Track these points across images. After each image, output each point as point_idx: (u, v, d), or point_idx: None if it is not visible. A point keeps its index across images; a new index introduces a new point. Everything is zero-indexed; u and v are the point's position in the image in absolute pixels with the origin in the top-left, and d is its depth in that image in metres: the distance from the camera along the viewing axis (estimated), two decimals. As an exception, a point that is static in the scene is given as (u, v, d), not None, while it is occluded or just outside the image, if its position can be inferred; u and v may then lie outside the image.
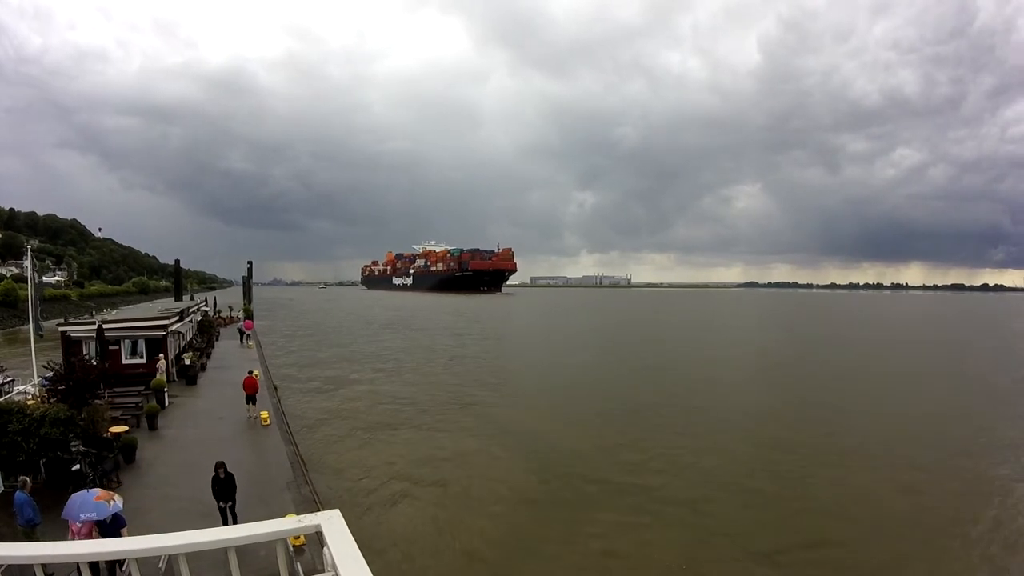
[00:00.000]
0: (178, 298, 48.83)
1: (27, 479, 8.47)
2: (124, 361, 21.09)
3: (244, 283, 57.66)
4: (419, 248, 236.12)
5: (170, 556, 4.12)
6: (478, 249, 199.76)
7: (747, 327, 70.56)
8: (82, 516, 7.24)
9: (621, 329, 65.32)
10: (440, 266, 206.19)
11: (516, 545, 11.23)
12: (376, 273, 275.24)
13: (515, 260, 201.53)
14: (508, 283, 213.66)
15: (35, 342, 16.58)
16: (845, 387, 28.19)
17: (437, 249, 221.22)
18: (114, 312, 28.23)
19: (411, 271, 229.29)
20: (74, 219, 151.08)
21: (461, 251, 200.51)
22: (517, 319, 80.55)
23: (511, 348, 45.70)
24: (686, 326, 70.21)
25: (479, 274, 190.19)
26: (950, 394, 26.94)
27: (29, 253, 17.00)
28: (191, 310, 33.29)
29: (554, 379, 30.58)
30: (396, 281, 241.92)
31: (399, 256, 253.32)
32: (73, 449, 10.65)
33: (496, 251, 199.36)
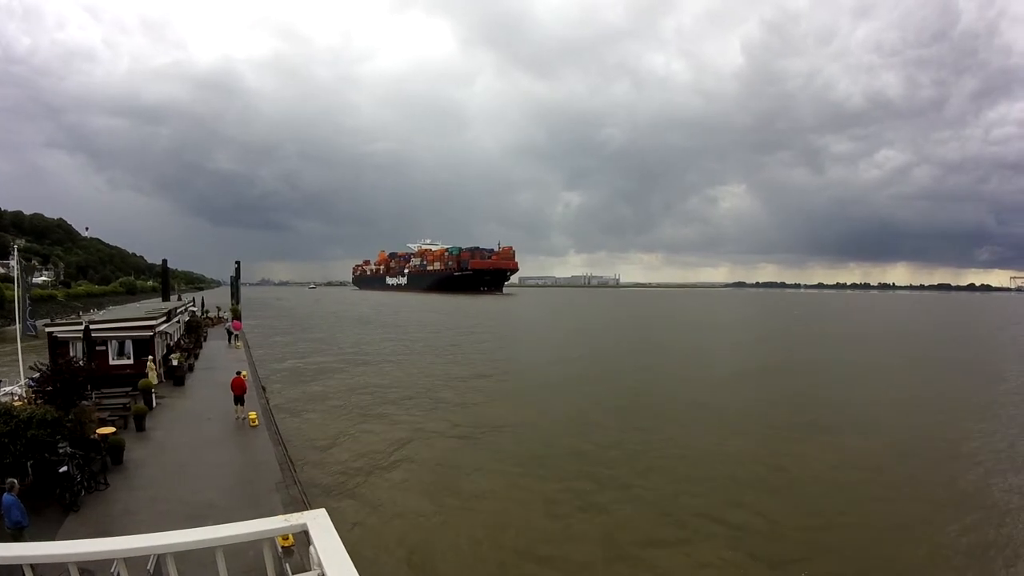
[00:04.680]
0: (165, 298, 48.25)
1: (15, 481, 8.48)
2: (111, 362, 20.91)
3: (232, 283, 57.19)
4: (415, 247, 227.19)
5: (158, 556, 4.17)
6: (478, 247, 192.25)
7: (772, 328, 69.77)
8: None
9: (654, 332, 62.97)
10: (437, 265, 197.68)
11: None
12: (368, 272, 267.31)
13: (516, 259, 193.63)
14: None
15: (22, 342, 16.44)
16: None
17: (434, 247, 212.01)
18: (101, 312, 27.92)
19: (406, 270, 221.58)
20: (61, 219, 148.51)
21: (460, 249, 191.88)
22: (559, 328, 69.07)
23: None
24: (718, 328, 68.25)
25: (479, 273, 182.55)
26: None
27: (15, 252, 16.88)
28: (179, 310, 33.01)
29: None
30: (390, 281, 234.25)
31: (392, 255, 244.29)
32: (60, 451, 10.64)
33: (496, 249, 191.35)
